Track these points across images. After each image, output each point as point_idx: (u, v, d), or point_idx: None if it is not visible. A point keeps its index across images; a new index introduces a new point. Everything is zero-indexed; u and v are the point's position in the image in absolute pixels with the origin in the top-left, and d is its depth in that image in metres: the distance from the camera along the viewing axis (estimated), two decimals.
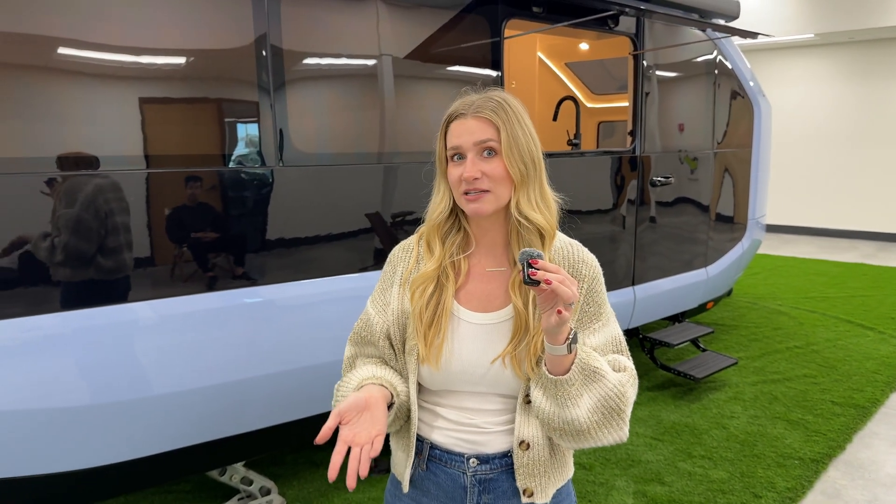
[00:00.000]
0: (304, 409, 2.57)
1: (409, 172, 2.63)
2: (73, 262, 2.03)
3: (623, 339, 1.35)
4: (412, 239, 1.40)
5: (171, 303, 2.21)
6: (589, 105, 5.56)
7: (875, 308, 5.93)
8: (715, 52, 4.18)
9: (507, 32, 2.90)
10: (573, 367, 1.19)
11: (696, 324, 4.50)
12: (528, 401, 1.27)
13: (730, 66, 4.35)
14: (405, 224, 2.67)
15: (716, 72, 4.21)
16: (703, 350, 4.37)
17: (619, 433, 1.25)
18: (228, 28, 2.22)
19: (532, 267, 1.08)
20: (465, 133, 1.25)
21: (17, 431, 2.03)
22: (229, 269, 2.30)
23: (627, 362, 1.31)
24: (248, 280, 2.34)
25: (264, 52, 2.27)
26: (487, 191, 1.23)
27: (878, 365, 4.50)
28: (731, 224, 4.62)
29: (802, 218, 10.14)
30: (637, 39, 3.54)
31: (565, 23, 2.99)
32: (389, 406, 1.29)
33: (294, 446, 3.01)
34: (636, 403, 3.85)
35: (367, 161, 2.55)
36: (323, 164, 2.45)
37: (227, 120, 2.25)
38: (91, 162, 2.02)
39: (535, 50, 5.19)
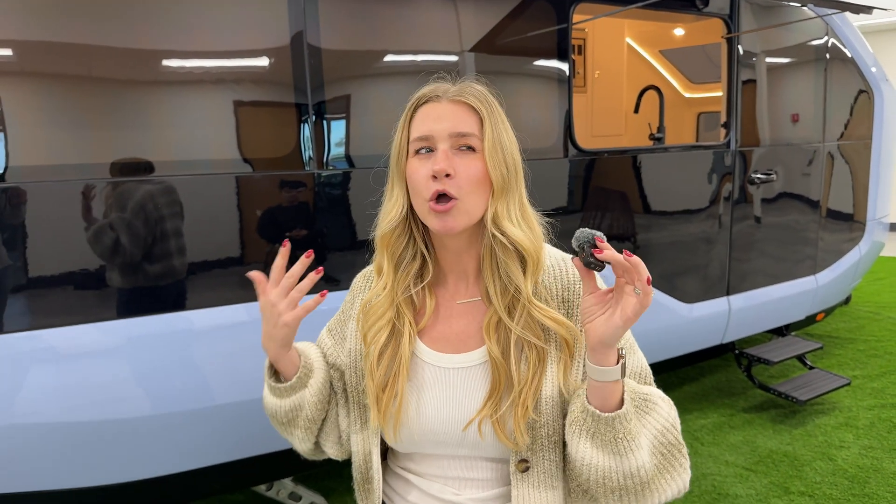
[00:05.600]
0: None
1: None
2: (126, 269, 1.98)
3: (649, 369, 1.07)
4: (374, 265, 1.15)
5: (227, 311, 2.12)
6: (687, 95, 5.14)
7: None
8: (826, 35, 3.70)
9: (575, 17, 2.63)
10: (626, 397, 0.93)
11: (803, 338, 4.03)
12: (523, 469, 1.00)
13: (845, 50, 3.85)
14: None
15: (827, 56, 3.73)
16: (811, 368, 3.91)
17: (684, 476, 1.00)
18: (260, 27, 2.09)
19: (595, 245, 0.89)
20: (438, 119, 0.99)
21: (77, 441, 1.98)
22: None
23: (662, 394, 1.03)
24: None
25: (302, 51, 2.12)
26: (456, 198, 0.97)
27: None
28: (847, 225, 4.11)
29: None
30: (731, 21, 3.16)
31: (640, 3, 2.67)
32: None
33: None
34: (729, 426, 3.47)
35: None
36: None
37: (265, 122, 2.13)
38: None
39: (623, 37, 4.82)
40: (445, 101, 1.01)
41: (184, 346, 2.07)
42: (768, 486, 2.92)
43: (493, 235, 1.00)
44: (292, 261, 1.05)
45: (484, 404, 0.99)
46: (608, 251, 0.86)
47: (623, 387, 0.94)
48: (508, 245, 1.00)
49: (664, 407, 0.98)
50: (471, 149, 0.99)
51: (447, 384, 1.03)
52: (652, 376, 1.08)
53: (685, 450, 1.00)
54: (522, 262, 1.01)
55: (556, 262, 1.07)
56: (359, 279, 1.18)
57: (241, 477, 2.39)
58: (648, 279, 0.85)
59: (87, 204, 1.91)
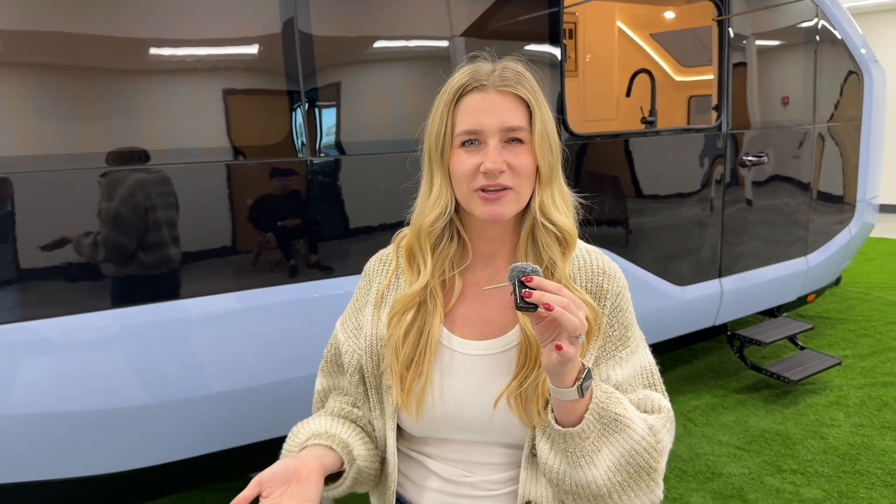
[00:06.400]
0: None
1: None
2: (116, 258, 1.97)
3: (656, 368, 1.07)
4: (390, 248, 1.15)
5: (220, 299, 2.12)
6: (678, 78, 5.15)
7: None
8: (816, 18, 3.71)
9: (567, 1, 2.62)
10: (587, 415, 0.93)
11: (795, 318, 4.07)
12: (535, 453, 1.01)
13: (835, 32, 3.87)
14: None
15: (817, 38, 3.74)
16: (802, 348, 3.95)
17: (651, 496, 0.98)
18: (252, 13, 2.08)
19: (525, 286, 0.83)
20: (487, 112, 0.97)
21: (77, 430, 1.98)
22: (265, 265, 2.18)
23: (662, 400, 1.03)
24: (291, 276, 2.21)
25: (293, 38, 2.11)
26: (510, 188, 0.97)
27: None
28: (837, 207, 4.14)
29: None
30: (722, 4, 3.16)
31: None
32: (339, 475, 1.05)
33: None
34: (722, 407, 3.51)
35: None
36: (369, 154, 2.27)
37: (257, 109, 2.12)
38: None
39: (613, 20, 4.82)
40: (492, 91, 0.98)
41: (180, 335, 2.08)
42: (761, 464, 2.96)
43: (543, 224, 1.01)
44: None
45: (512, 380, 1.00)
46: (537, 294, 0.83)
47: (589, 403, 0.93)
48: (553, 230, 1.01)
49: (638, 430, 0.95)
50: (519, 140, 0.99)
51: (470, 370, 1.03)
52: (658, 377, 1.07)
53: (659, 477, 0.99)
54: (559, 244, 1.02)
55: (581, 254, 1.07)
56: (374, 263, 1.16)
57: (240, 464, 2.40)
58: (565, 342, 0.83)
59: (83, 194, 1.91)
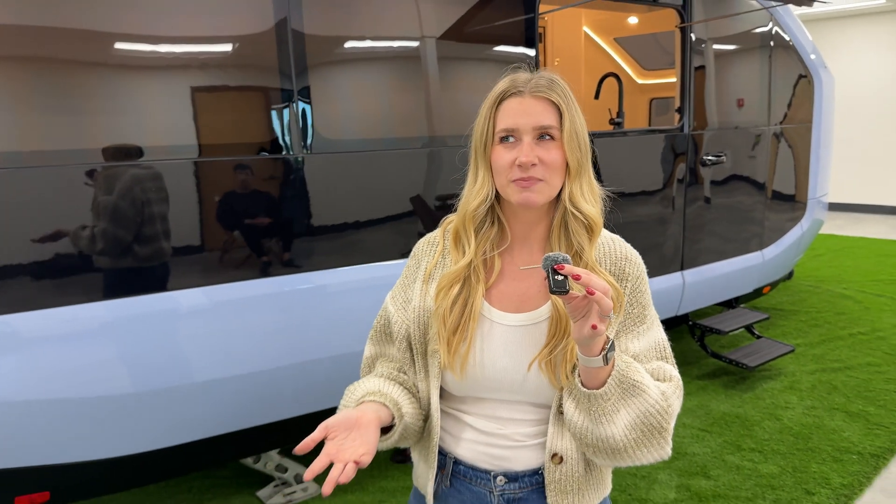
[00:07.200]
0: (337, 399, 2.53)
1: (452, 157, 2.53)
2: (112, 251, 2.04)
3: (668, 343, 1.23)
4: (437, 231, 1.30)
5: (210, 291, 2.21)
6: (640, 81, 5.36)
7: None
8: (771, 24, 3.94)
9: (542, 7, 2.77)
10: (609, 380, 1.08)
11: (751, 309, 4.30)
12: (561, 411, 1.16)
13: (787, 38, 4.11)
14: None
15: (771, 44, 3.98)
16: (758, 337, 4.18)
17: (661, 452, 1.13)
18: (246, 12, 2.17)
19: (558, 273, 0.97)
20: (523, 114, 1.12)
21: (62, 420, 2.04)
22: (265, 257, 2.27)
23: (673, 371, 1.19)
24: (290, 267, 2.31)
25: (286, 36, 2.22)
26: (541, 180, 1.12)
27: None
28: (790, 204, 4.39)
29: (873, 196, 9.61)
30: (684, 11, 3.36)
31: None
32: (389, 428, 1.19)
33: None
34: (685, 393, 3.68)
35: (405, 146, 2.46)
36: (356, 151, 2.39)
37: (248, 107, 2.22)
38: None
39: (580, 25, 5.01)
40: (528, 95, 1.13)
41: (168, 326, 2.15)
42: (722, 444, 3.15)
43: (572, 213, 1.16)
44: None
45: (543, 348, 1.15)
46: (585, 278, 0.95)
47: (611, 370, 1.08)
48: (581, 218, 1.16)
49: (652, 395, 1.10)
50: (551, 137, 1.13)
51: (507, 338, 1.18)
52: (669, 351, 1.23)
53: (668, 433, 1.14)
54: (587, 231, 1.17)
55: (606, 241, 1.22)
56: (422, 244, 1.31)
57: (229, 451, 2.48)
58: (609, 309, 0.97)
59: (82, 189, 1.99)
